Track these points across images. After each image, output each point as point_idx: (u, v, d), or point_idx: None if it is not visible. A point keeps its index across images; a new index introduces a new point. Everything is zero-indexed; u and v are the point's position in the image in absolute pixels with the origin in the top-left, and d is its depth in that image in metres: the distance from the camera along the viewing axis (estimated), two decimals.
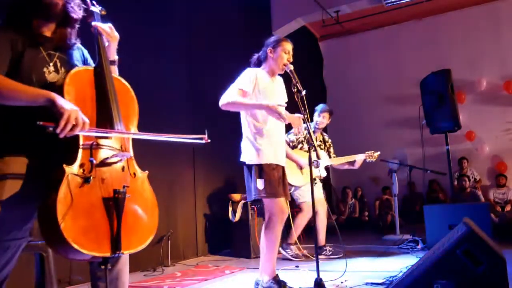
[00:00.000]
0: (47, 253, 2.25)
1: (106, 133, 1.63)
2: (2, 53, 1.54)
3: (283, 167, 3.03)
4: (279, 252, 4.55)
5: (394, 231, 6.25)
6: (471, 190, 7.27)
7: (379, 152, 4.78)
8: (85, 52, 1.88)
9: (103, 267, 1.55)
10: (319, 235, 4.60)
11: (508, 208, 6.91)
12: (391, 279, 3.19)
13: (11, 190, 1.54)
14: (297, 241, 4.68)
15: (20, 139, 1.58)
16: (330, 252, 4.58)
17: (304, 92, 2.80)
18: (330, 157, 4.82)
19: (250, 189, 2.89)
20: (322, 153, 4.77)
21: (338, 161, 4.78)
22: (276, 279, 2.91)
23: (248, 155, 2.91)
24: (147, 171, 1.78)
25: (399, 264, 3.78)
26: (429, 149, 7.09)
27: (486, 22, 8.11)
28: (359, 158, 4.67)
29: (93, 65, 1.79)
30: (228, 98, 2.85)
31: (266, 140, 2.90)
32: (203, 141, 1.69)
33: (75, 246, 1.43)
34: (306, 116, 2.81)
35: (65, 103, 1.49)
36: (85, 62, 1.86)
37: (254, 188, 2.84)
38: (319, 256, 4.51)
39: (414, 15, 8.46)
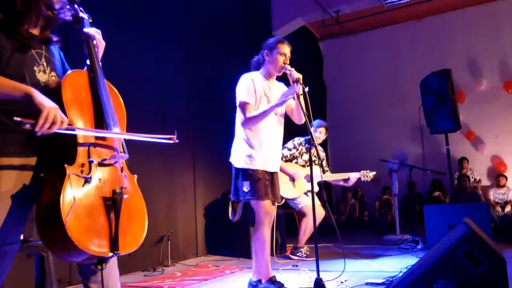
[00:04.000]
0: (47, 253, 2.25)
1: (97, 132, 1.63)
2: None
3: (274, 173, 3.04)
4: (291, 258, 4.59)
5: (394, 231, 6.25)
6: (471, 190, 7.26)
7: (374, 172, 4.82)
8: (62, 54, 1.88)
9: (99, 267, 1.55)
10: (301, 235, 4.68)
11: (508, 208, 6.90)
12: (391, 279, 3.19)
13: (9, 192, 1.53)
14: (305, 245, 4.70)
15: (17, 139, 1.57)
16: (305, 255, 4.60)
17: (306, 89, 2.80)
18: (324, 172, 4.74)
19: (236, 190, 2.94)
20: (316, 169, 4.76)
21: (332, 177, 4.78)
22: (272, 280, 2.91)
23: (237, 158, 2.94)
24: (136, 175, 1.79)
25: (399, 264, 3.78)
26: (429, 149, 7.09)
27: (486, 22, 8.11)
28: (353, 176, 4.72)
29: (71, 69, 1.80)
30: (244, 117, 2.88)
31: (259, 147, 2.92)
32: (172, 141, 1.69)
33: (79, 245, 1.44)
34: (308, 114, 2.80)
35: (45, 100, 1.47)
36: (63, 64, 1.86)
37: (240, 190, 2.88)
38: (293, 256, 4.61)
39: (414, 15, 8.46)
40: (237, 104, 2.95)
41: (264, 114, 2.87)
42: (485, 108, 7.98)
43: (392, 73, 8.80)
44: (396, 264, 3.83)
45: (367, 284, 3.14)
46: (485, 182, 8.00)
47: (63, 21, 1.73)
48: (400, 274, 3.29)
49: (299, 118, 3.03)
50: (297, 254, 4.61)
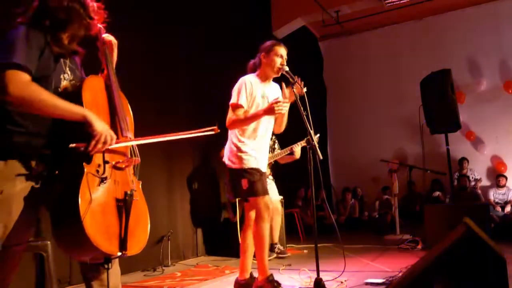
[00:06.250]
0: (47, 253, 2.25)
1: (127, 142, 1.72)
2: (34, 53, 1.56)
3: (264, 173, 3.05)
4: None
5: (394, 231, 6.25)
6: (471, 190, 7.26)
7: (318, 135, 4.56)
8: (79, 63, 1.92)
9: (106, 266, 1.59)
10: (272, 232, 4.78)
11: (508, 208, 6.90)
12: (391, 279, 3.19)
13: (22, 193, 1.56)
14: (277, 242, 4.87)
15: (29, 141, 1.58)
16: (279, 251, 4.78)
17: (304, 90, 2.81)
18: (273, 151, 4.87)
19: (233, 190, 2.95)
20: None
21: (278, 155, 4.80)
22: (269, 279, 2.91)
23: (232, 159, 2.95)
24: (140, 181, 1.84)
25: (399, 264, 3.78)
26: (429, 149, 7.08)
27: (486, 22, 8.11)
28: (297, 148, 4.64)
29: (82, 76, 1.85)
30: (231, 119, 2.91)
31: (252, 147, 2.94)
32: (213, 132, 1.77)
33: (94, 242, 1.47)
34: (307, 115, 2.80)
35: (98, 123, 1.56)
36: (80, 73, 1.89)
37: (239, 188, 2.90)
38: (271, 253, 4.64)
39: (414, 15, 8.46)
40: (230, 104, 2.95)
41: (249, 121, 2.89)
42: (485, 108, 7.98)
43: (392, 73, 8.80)
44: (396, 264, 3.83)
45: (367, 284, 3.15)
46: (485, 182, 8.00)
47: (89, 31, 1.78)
48: (400, 274, 3.29)
49: (280, 127, 3.10)
50: (274, 250, 4.77)
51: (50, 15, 1.64)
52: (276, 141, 4.99)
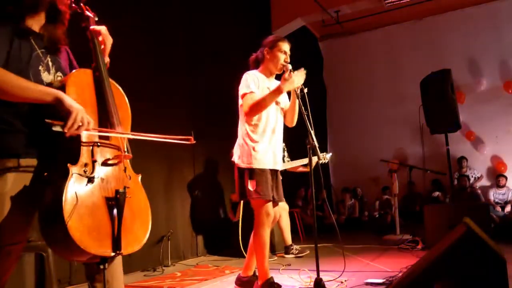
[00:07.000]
0: (47, 253, 2.25)
1: (107, 132, 1.64)
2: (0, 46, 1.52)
3: (278, 171, 3.03)
4: (284, 257, 4.69)
5: (394, 231, 6.25)
6: (471, 190, 7.26)
7: (330, 154, 4.67)
8: (70, 52, 1.87)
9: (101, 266, 1.55)
10: (284, 234, 4.84)
11: (508, 208, 6.90)
12: (391, 279, 3.19)
13: (13, 192, 1.54)
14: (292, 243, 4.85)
15: (21, 140, 1.57)
16: (297, 251, 4.76)
17: (306, 90, 2.79)
18: (284, 161, 4.76)
19: (241, 190, 2.90)
20: None
21: (290, 165, 4.80)
22: (269, 282, 2.90)
23: (242, 158, 2.90)
24: (140, 174, 1.79)
25: (399, 264, 3.78)
26: (429, 149, 7.09)
27: (486, 22, 8.11)
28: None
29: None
30: (248, 103, 2.84)
31: (264, 145, 2.89)
32: (189, 142, 1.70)
33: (81, 245, 1.44)
34: (307, 115, 2.79)
35: (73, 103, 1.52)
36: (71, 63, 1.85)
37: (246, 189, 2.85)
38: (287, 256, 4.70)
39: (414, 15, 8.46)
40: (241, 96, 2.89)
41: (269, 99, 2.81)
42: (485, 108, 7.98)
43: (392, 73, 8.80)
44: (396, 264, 3.83)
45: (367, 284, 3.15)
46: (485, 182, 8.00)
47: (68, 19, 1.72)
48: (400, 274, 3.29)
49: (291, 120, 3.03)
50: (291, 252, 4.76)
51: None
52: (285, 149, 4.96)
